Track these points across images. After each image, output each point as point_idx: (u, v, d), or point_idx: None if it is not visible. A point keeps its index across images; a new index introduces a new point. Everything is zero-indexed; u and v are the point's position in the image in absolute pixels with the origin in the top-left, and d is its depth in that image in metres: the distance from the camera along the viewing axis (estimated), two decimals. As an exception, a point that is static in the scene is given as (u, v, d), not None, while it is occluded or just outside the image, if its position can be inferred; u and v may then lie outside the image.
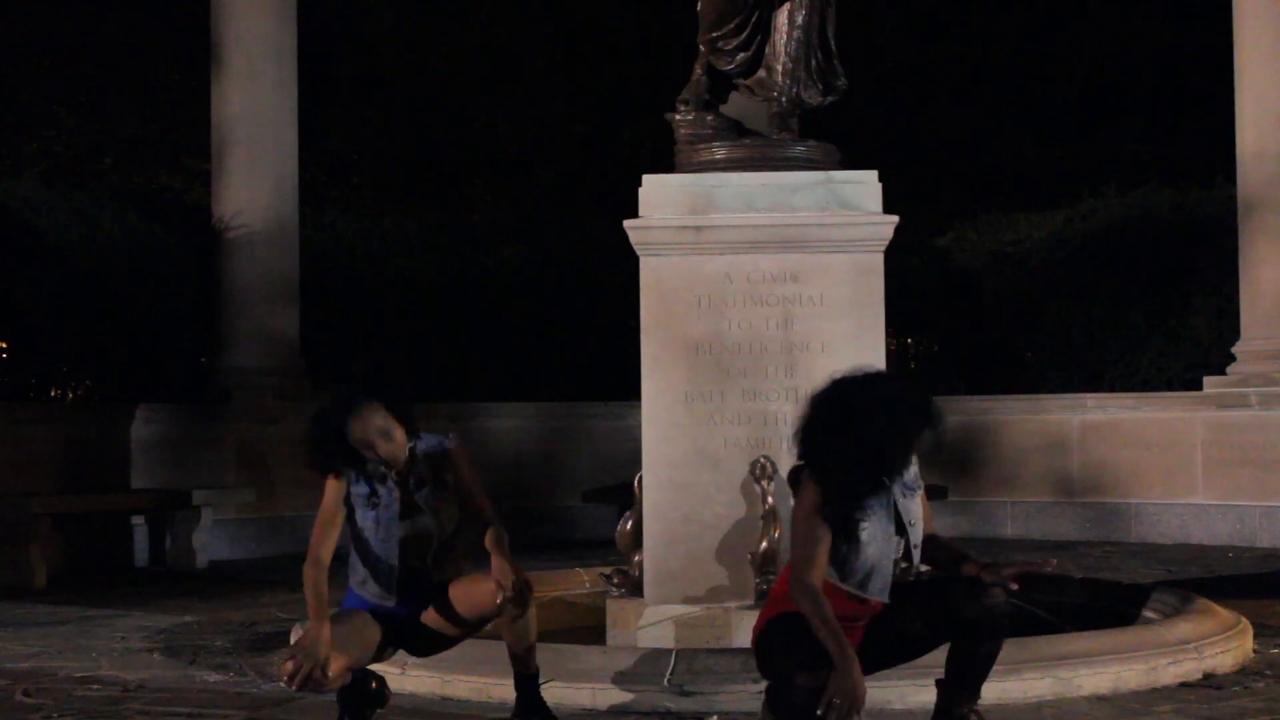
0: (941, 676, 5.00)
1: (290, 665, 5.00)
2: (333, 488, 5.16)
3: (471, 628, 5.32)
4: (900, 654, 5.00)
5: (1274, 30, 12.25)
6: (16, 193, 12.21)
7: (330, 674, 5.03)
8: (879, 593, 4.76)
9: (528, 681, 5.41)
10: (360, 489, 5.17)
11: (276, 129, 12.98)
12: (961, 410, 13.12)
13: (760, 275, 6.91)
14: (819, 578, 4.64)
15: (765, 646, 4.79)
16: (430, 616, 5.27)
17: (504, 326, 14.01)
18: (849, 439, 4.61)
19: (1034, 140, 19.26)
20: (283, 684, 5.10)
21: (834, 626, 4.58)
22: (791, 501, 6.79)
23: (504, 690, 5.66)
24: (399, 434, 5.12)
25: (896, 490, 4.78)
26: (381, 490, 5.17)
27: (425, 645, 5.39)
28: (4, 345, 12.44)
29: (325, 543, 5.15)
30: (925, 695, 5.74)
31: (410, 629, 5.31)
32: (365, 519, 5.19)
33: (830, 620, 4.58)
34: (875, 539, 4.72)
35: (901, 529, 4.78)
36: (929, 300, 14.32)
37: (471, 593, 5.20)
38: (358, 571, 5.27)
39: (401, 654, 5.57)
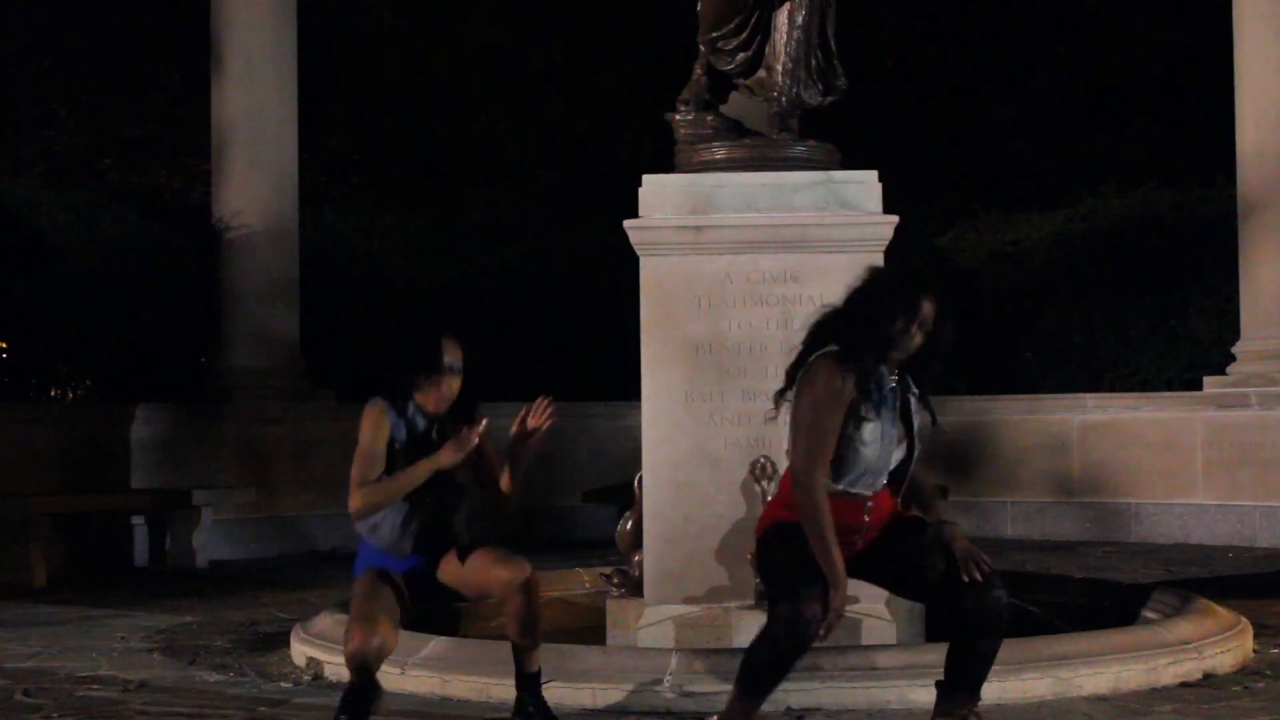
0: (940, 677, 5.00)
1: None
2: (374, 419, 5.24)
3: (472, 600, 5.44)
4: (891, 580, 4.96)
5: (1274, 30, 12.25)
6: (16, 193, 12.21)
7: (381, 642, 5.06)
8: (868, 488, 4.74)
9: (528, 680, 5.40)
10: (397, 432, 5.24)
11: (276, 129, 12.98)
12: (961, 410, 13.11)
13: (760, 275, 6.92)
14: (823, 477, 4.60)
15: (765, 556, 4.77)
16: (445, 572, 5.30)
17: (503, 326, 13.99)
18: (857, 321, 4.65)
19: (1034, 140, 19.25)
20: None
21: (829, 541, 4.56)
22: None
23: (504, 690, 5.67)
24: (459, 382, 5.28)
25: (912, 400, 4.77)
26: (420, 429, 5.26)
27: (428, 596, 5.40)
28: (4, 345, 12.43)
29: (371, 473, 5.21)
30: (925, 695, 5.74)
31: (421, 581, 5.32)
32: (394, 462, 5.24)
33: (826, 533, 4.56)
34: (876, 441, 4.68)
35: (908, 438, 4.75)
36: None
37: (487, 573, 5.23)
38: (370, 519, 5.27)
39: (400, 654, 5.57)
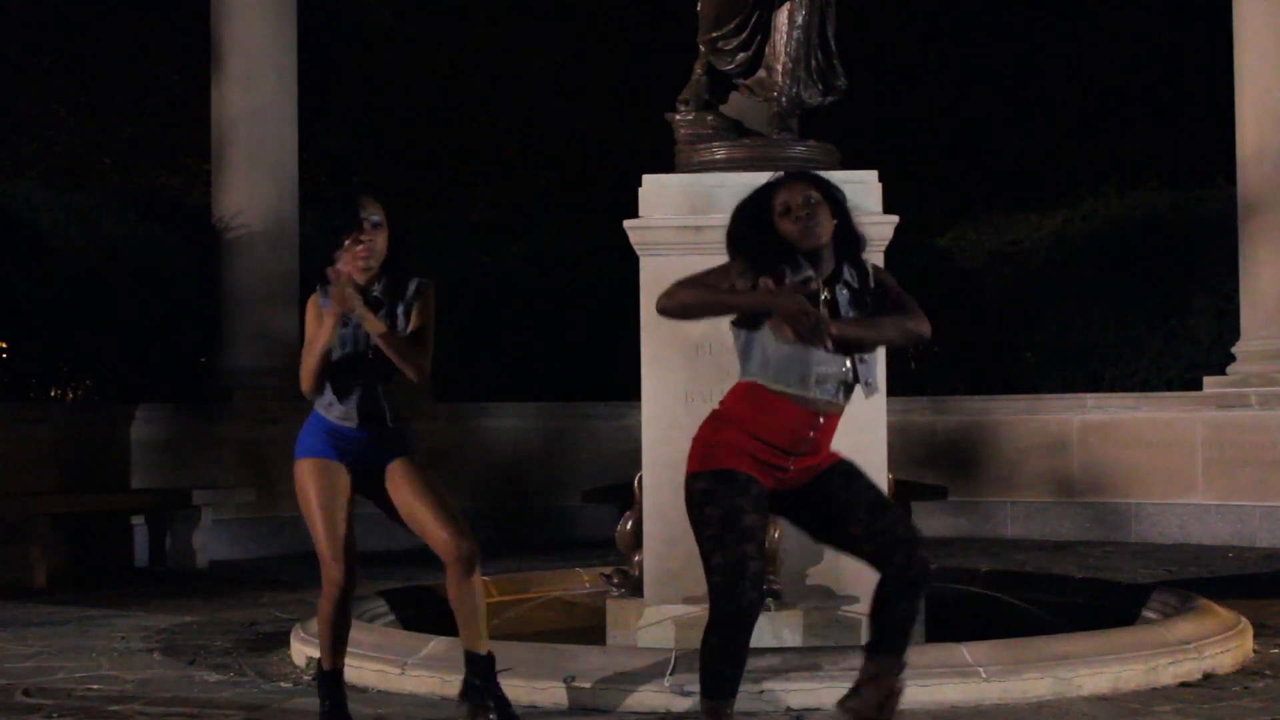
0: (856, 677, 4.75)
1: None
2: (311, 310, 5.31)
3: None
4: (814, 526, 4.81)
5: (1274, 30, 12.25)
6: (16, 193, 12.21)
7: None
8: (832, 394, 4.62)
9: (472, 660, 5.39)
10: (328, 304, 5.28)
11: (276, 129, 12.99)
12: (961, 410, 13.11)
13: (760, 275, 6.90)
14: (688, 298, 4.63)
15: (690, 517, 4.65)
16: (392, 482, 5.37)
17: (504, 326, 13.99)
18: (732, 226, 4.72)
19: (1034, 140, 19.25)
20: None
21: (719, 293, 4.55)
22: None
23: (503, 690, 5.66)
24: (383, 238, 5.27)
25: (840, 297, 4.66)
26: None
27: (386, 506, 5.45)
28: (4, 345, 12.43)
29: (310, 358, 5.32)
30: (925, 695, 5.76)
31: (374, 481, 5.40)
32: (337, 336, 5.29)
33: (708, 293, 4.57)
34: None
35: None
36: (929, 300, 14.29)
37: (428, 522, 5.29)
38: (325, 395, 5.39)
39: (400, 654, 5.57)
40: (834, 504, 4.67)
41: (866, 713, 4.63)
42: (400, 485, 5.36)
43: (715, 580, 4.49)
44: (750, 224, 4.70)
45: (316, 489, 5.37)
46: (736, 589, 4.43)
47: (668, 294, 4.69)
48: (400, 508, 5.36)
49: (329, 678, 5.46)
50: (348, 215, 5.27)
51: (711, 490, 4.55)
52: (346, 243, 5.25)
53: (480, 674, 5.37)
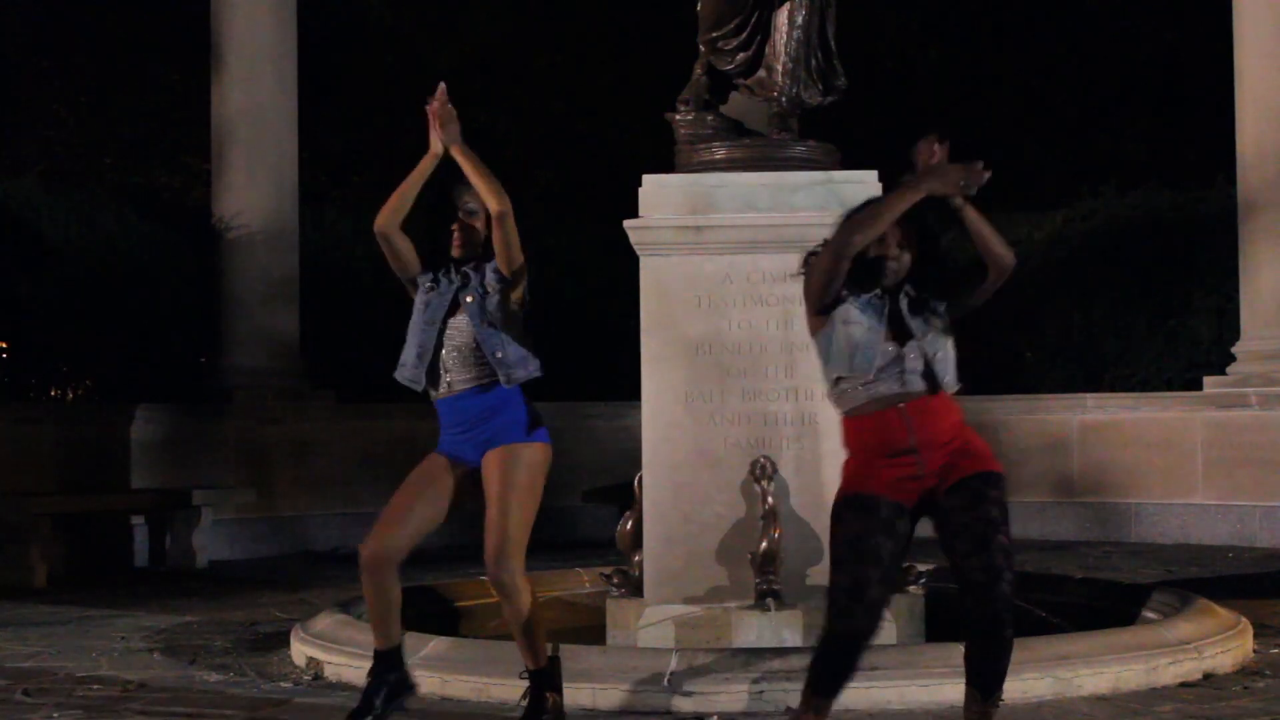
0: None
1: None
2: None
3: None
4: (943, 544, 4.87)
5: (1274, 30, 12.25)
6: (16, 193, 12.22)
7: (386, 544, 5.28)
8: (901, 383, 4.73)
9: (532, 676, 5.37)
10: (425, 277, 5.46)
11: (276, 129, 12.99)
12: (961, 410, 13.07)
13: (760, 275, 6.92)
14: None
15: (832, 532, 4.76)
16: (486, 472, 5.45)
17: (504, 326, 13.98)
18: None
19: (1034, 140, 19.24)
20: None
21: (879, 207, 4.75)
22: (791, 501, 6.85)
23: (504, 690, 5.67)
24: (480, 222, 5.47)
25: (903, 305, 4.79)
26: (443, 280, 5.44)
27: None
28: (4, 345, 12.44)
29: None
30: (924, 694, 5.76)
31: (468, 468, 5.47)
32: (419, 299, 5.43)
33: (874, 206, 4.76)
34: (860, 324, 4.73)
35: (902, 339, 4.73)
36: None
37: (490, 480, 5.40)
38: (403, 355, 5.44)
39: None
40: (949, 525, 4.71)
41: None
42: (493, 464, 5.47)
43: (832, 598, 4.60)
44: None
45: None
46: (850, 610, 4.53)
47: (837, 238, 4.75)
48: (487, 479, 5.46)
49: (375, 658, 5.42)
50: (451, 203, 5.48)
51: (840, 514, 4.66)
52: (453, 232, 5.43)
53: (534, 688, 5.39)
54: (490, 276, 5.43)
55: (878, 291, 4.81)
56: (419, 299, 5.45)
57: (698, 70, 7.41)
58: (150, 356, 12.40)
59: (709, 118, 7.32)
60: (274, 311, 12.83)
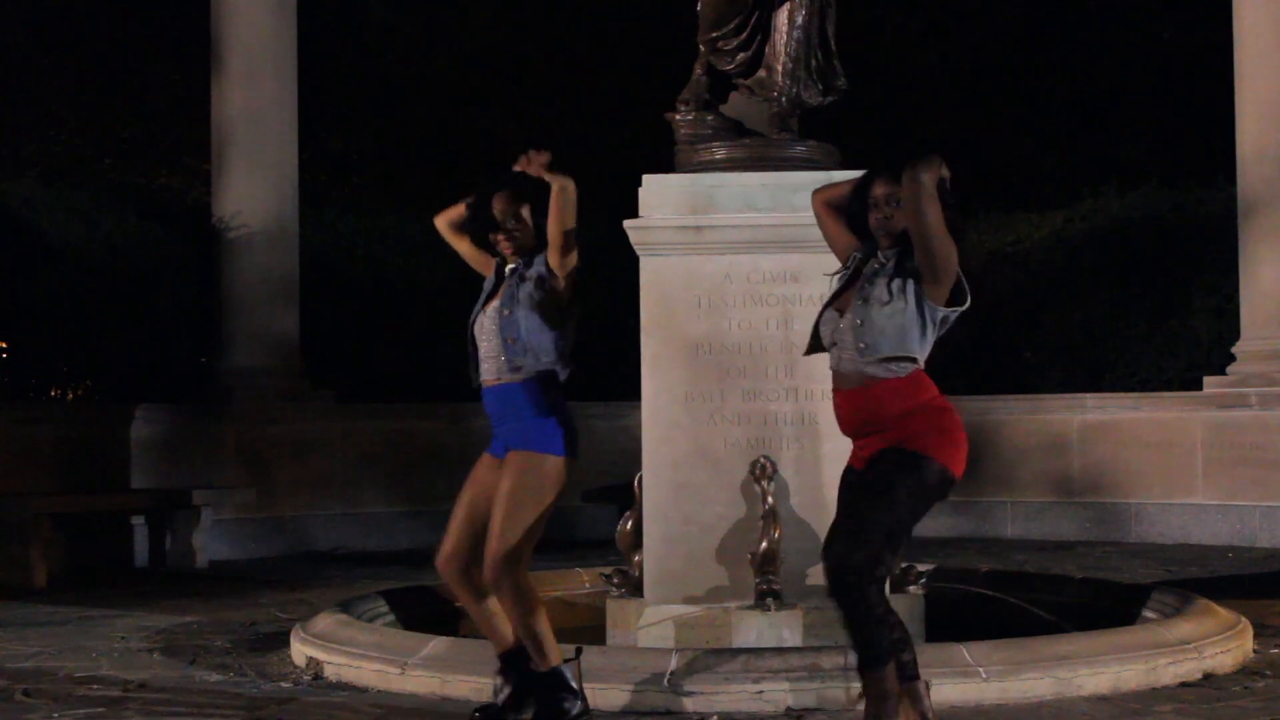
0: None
1: None
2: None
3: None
4: None
5: (1274, 30, 12.25)
6: (16, 193, 12.22)
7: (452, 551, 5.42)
8: (833, 360, 4.95)
9: (541, 678, 5.38)
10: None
11: (276, 129, 12.98)
12: (961, 410, 12.91)
13: (760, 275, 6.92)
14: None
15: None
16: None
17: (504, 326, 13.97)
18: None
19: (1034, 140, 19.24)
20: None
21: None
22: (791, 501, 6.85)
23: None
24: (526, 226, 5.53)
25: (881, 278, 4.93)
26: (501, 275, 5.50)
27: None
28: (4, 345, 12.44)
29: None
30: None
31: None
32: (478, 302, 5.50)
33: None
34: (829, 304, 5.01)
35: (854, 311, 4.90)
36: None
37: (501, 481, 5.44)
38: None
39: (400, 654, 5.57)
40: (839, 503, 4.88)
41: None
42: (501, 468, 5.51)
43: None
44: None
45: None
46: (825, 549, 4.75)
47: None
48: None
49: (500, 660, 5.48)
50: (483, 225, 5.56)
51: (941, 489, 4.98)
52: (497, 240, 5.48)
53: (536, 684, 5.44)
54: (535, 266, 5.44)
55: (859, 260, 5.14)
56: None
57: (698, 70, 7.41)
58: (150, 356, 12.40)
59: (709, 118, 7.32)
60: (274, 311, 12.82)
